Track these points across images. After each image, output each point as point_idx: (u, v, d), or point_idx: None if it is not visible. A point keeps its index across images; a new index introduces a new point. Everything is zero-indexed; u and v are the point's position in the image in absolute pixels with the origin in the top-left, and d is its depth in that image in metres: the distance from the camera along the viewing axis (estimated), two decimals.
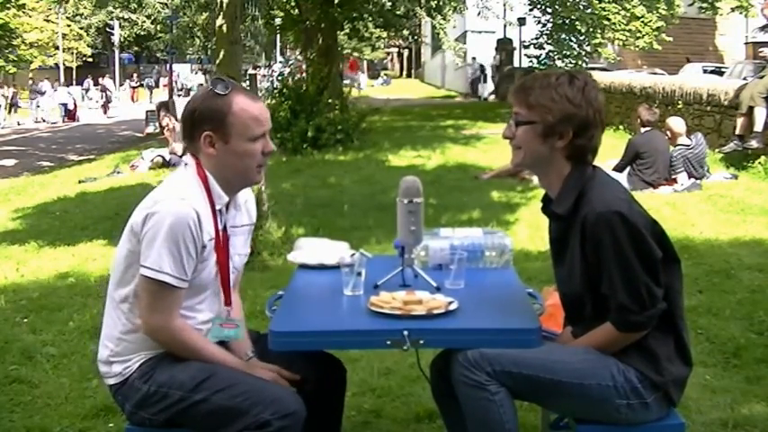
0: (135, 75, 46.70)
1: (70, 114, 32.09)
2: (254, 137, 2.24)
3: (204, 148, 2.24)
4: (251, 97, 2.29)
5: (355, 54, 41.16)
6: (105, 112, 33.71)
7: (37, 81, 34.50)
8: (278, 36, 33.07)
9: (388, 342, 2.13)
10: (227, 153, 2.23)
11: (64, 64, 47.25)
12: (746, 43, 27.52)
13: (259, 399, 2.14)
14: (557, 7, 18.35)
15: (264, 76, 32.78)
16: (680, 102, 11.11)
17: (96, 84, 40.05)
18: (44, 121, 31.05)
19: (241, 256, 2.42)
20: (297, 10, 20.13)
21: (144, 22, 42.97)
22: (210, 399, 2.17)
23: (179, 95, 33.10)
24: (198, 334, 2.27)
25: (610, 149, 8.12)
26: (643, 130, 8.46)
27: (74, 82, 43.25)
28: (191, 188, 2.23)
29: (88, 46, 50.80)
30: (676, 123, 8.61)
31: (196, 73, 44.62)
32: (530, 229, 6.81)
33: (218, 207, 2.26)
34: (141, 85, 45.34)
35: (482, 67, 30.51)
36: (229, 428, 2.14)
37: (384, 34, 31.08)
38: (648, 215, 2.23)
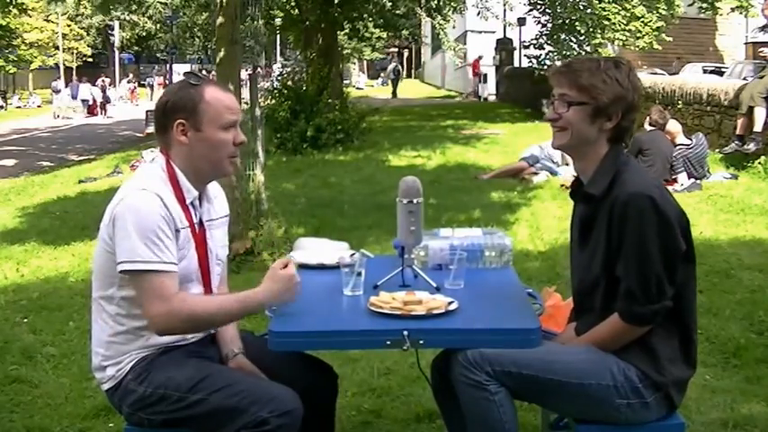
0: (133, 74, 46.74)
1: (90, 110, 33.75)
2: (226, 125, 2.27)
3: (176, 136, 2.26)
4: (222, 88, 2.34)
5: (355, 54, 41.22)
6: (98, 114, 33.97)
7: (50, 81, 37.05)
8: (278, 36, 33.09)
9: (388, 342, 2.13)
10: (199, 141, 2.26)
11: (64, 64, 47.26)
12: (746, 43, 27.50)
13: (257, 397, 2.14)
14: (557, 8, 18.34)
15: (264, 76, 32.87)
16: (680, 102, 11.11)
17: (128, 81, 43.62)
18: (60, 116, 32.66)
19: (224, 248, 2.45)
20: (297, 10, 20.13)
21: (145, 23, 43.04)
22: (208, 399, 2.17)
23: None
24: (201, 299, 2.24)
25: None
26: (648, 128, 8.48)
27: (73, 81, 43.34)
28: (154, 179, 2.25)
29: (88, 46, 50.83)
30: (671, 124, 8.63)
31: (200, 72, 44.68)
32: (530, 229, 6.82)
33: (188, 201, 2.28)
34: (143, 85, 45.32)
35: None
36: (228, 428, 2.14)
37: (384, 34, 31.14)
38: (679, 206, 2.24)
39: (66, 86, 36.57)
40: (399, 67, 39.14)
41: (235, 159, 2.34)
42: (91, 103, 34.18)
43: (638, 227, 2.13)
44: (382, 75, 46.40)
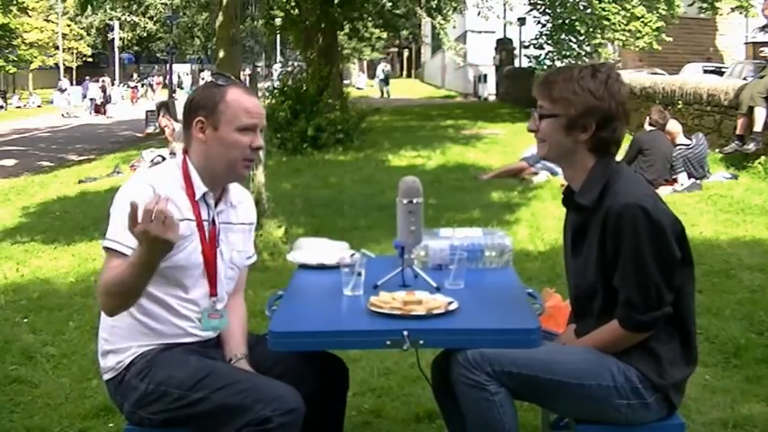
0: (136, 75, 46.79)
1: (97, 108, 34.22)
2: (243, 127, 2.29)
3: (195, 133, 2.31)
4: (248, 92, 2.36)
5: (355, 54, 41.37)
6: (104, 113, 34.03)
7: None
8: (278, 36, 33.11)
9: (388, 342, 2.13)
10: (215, 140, 2.29)
11: (64, 64, 47.27)
12: (746, 43, 27.50)
13: (260, 396, 2.14)
14: (557, 8, 18.35)
15: (264, 76, 32.90)
16: (680, 102, 11.11)
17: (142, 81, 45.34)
18: (68, 115, 33.26)
19: (241, 254, 2.46)
20: (297, 10, 20.14)
21: (146, 23, 43.09)
22: (211, 397, 2.17)
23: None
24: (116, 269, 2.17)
25: None
26: (648, 128, 8.48)
27: (73, 82, 43.35)
28: (159, 171, 2.35)
29: (88, 46, 50.88)
30: (671, 124, 8.64)
31: (198, 72, 44.81)
32: (530, 229, 6.82)
33: (197, 196, 2.30)
34: (143, 85, 45.33)
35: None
36: (230, 426, 2.14)
37: (384, 34, 31.19)
38: (672, 213, 2.23)
39: (74, 85, 36.84)
40: (389, 68, 40.04)
41: (250, 163, 2.35)
42: (99, 102, 34.71)
43: (632, 238, 2.12)
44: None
